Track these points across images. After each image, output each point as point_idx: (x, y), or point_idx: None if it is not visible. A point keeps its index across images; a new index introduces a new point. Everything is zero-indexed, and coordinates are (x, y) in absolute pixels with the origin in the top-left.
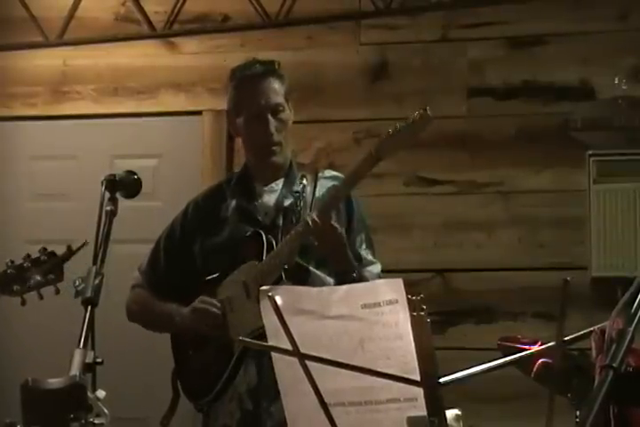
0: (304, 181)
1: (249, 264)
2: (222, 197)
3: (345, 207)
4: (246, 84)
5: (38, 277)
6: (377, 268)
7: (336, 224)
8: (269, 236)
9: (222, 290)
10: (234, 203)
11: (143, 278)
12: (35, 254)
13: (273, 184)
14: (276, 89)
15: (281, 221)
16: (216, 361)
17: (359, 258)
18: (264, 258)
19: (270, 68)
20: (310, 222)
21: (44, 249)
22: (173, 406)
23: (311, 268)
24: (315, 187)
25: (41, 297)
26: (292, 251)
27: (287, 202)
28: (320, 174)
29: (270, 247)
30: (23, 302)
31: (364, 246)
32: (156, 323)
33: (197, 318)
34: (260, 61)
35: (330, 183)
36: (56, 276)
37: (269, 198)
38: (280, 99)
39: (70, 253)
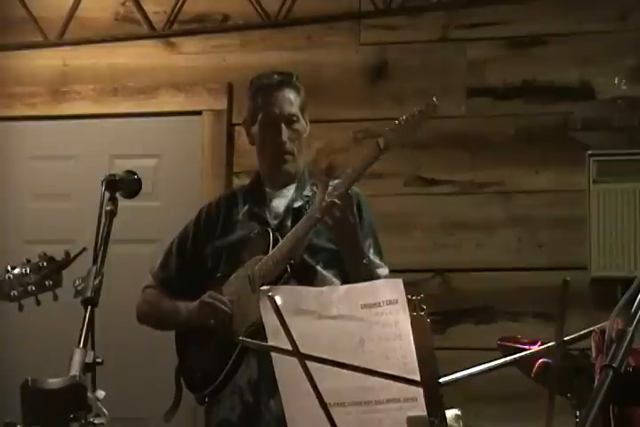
0: (314, 189)
1: (254, 259)
2: (235, 203)
3: (355, 212)
4: (262, 93)
5: (36, 283)
6: (385, 271)
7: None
8: (277, 233)
9: (228, 286)
10: (245, 208)
11: (154, 279)
12: (34, 259)
13: (284, 190)
14: (291, 99)
15: (289, 222)
16: (218, 354)
17: (369, 263)
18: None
19: (287, 79)
20: (329, 204)
21: (44, 254)
22: (177, 402)
23: (318, 267)
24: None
25: (38, 303)
26: (299, 242)
27: (297, 204)
28: (331, 183)
29: (276, 243)
30: (20, 308)
31: (372, 251)
32: (164, 319)
33: (205, 312)
34: (278, 72)
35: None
36: (54, 282)
37: (279, 202)
38: (294, 109)
39: (69, 259)
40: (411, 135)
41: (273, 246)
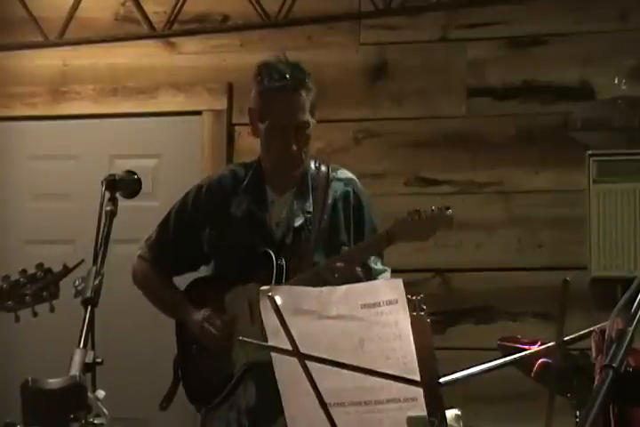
0: (315, 194)
1: (257, 286)
2: (235, 191)
3: (356, 217)
4: (274, 95)
5: (33, 294)
6: (387, 275)
7: (359, 273)
8: (279, 260)
9: (227, 304)
10: (245, 205)
11: (149, 252)
12: (31, 270)
13: (286, 195)
14: (304, 104)
15: (290, 240)
16: (218, 373)
17: (369, 271)
18: (272, 283)
19: (301, 82)
20: (334, 272)
21: (41, 265)
22: (173, 391)
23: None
24: (327, 191)
25: (35, 314)
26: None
27: (298, 222)
28: (333, 175)
29: (280, 271)
30: (17, 319)
31: (372, 256)
32: (159, 307)
33: (203, 336)
34: (292, 70)
35: (343, 188)
36: (51, 293)
37: (280, 209)
38: (306, 116)
39: (66, 270)
40: (421, 236)
41: (276, 273)
